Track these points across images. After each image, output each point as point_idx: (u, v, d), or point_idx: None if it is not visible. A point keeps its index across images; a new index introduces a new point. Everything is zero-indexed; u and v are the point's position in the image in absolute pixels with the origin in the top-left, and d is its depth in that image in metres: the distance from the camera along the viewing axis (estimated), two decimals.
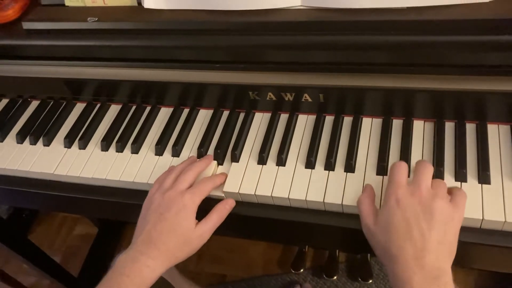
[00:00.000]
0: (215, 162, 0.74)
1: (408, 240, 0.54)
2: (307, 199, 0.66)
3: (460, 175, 0.64)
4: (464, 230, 0.61)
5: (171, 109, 0.84)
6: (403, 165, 0.61)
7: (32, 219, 1.79)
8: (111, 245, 1.65)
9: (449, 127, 0.70)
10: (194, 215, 0.66)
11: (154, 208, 0.66)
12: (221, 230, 0.68)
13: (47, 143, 0.84)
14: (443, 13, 0.62)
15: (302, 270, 1.33)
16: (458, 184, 0.64)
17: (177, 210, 0.64)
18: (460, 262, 0.67)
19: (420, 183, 0.58)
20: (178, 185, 0.67)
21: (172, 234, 0.63)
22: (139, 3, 0.76)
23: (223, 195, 0.70)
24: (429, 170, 0.60)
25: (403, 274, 0.54)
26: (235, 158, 0.73)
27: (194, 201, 0.66)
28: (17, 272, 1.62)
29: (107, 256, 1.59)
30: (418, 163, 0.62)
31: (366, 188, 0.64)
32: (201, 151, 0.75)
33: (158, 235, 0.63)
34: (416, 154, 0.68)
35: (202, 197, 0.67)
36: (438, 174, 0.65)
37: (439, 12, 0.62)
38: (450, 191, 0.60)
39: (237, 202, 0.71)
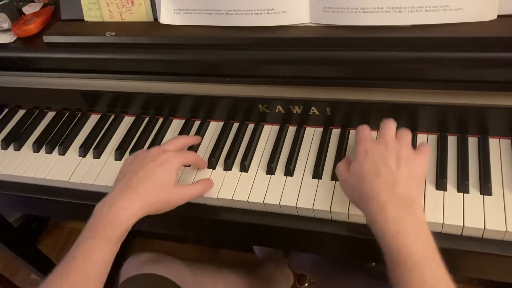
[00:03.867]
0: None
1: (378, 177, 0.58)
2: (314, 208, 0.69)
3: (463, 187, 0.66)
4: (466, 239, 0.63)
5: (182, 121, 0.87)
6: (366, 125, 0.68)
7: (40, 230, 1.81)
8: (118, 256, 1.66)
9: (452, 140, 0.73)
10: (176, 172, 0.68)
11: (138, 160, 0.69)
12: (231, 238, 0.70)
13: (62, 152, 0.87)
14: (446, 30, 0.65)
15: (307, 284, 1.34)
16: (460, 195, 0.66)
17: (160, 163, 0.67)
18: (463, 271, 0.69)
19: (385, 135, 0.64)
20: (164, 145, 0.71)
21: (152, 181, 0.65)
22: (156, 19, 0.80)
23: (233, 203, 0.73)
24: (393, 124, 0.66)
25: (376, 205, 0.57)
26: (244, 168, 0.76)
27: (177, 159, 0.68)
28: (24, 283, 1.64)
29: (113, 267, 1.60)
30: (382, 121, 0.68)
31: (346, 157, 0.69)
32: (212, 161, 0.78)
33: (138, 180, 0.65)
34: None
35: (185, 161, 0.70)
36: (441, 185, 0.67)
37: (442, 30, 0.65)
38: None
39: (246, 210, 0.73)
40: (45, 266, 1.36)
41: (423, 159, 0.62)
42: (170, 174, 0.67)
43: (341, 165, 0.66)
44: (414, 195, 0.58)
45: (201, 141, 0.82)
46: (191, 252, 1.60)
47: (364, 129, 0.66)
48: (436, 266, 0.53)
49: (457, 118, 0.71)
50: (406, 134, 0.65)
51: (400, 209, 0.56)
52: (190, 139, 0.78)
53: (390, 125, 0.66)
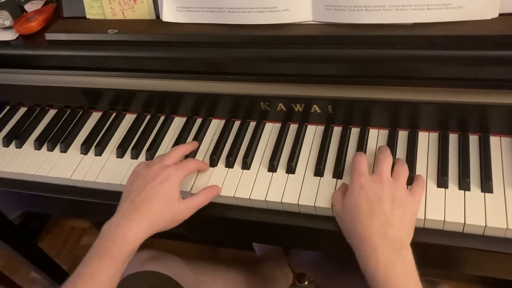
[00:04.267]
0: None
1: (371, 217, 0.59)
2: (316, 205, 0.69)
3: (464, 184, 0.67)
4: (467, 236, 0.64)
5: (184, 119, 0.87)
6: (363, 156, 0.68)
7: (40, 228, 1.81)
8: None
9: (453, 138, 0.73)
10: (179, 186, 0.68)
11: (140, 179, 0.68)
12: (233, 236, 0.70)
13: (64, 150, 0.87)
14: (447, 29, 0.66)
15: (306, 283, 1.35)
16: (462, 192, 0.66)
17: (162, 179, 0.67)
18: (463, 268, 0.69)
19: (381, 172, 0.64)
20: (163, 161, 0.71)
21: (156, 200, 0.65)
22: (158, 17, 0.80)
23: (235, 200, 0.73)
24: (389, 159, 0.67)
25: (368, 247, 0.58)
26: (246, 166, 0.76)
27: (178, 173, 0.69)
28: (24, 281, 1.64)
29: None
30: (379, 151, 0.68)
31: (342, 185, 0.69)
32: (214, 159, 0.78)
33: (142, 200, 0.65)
34: (421, 164, 0.71)
35: (186, 172, 0.70)
36: (442, 182, 0.67)
37: (444, 28, 0.66)
38: (411, 180, 0.67)
39: (248, 208, 0.74)
40: (45, 264, 1.36)
41: (416, 202, 0.63)
42: (173, 190, 0.67)
43: (335, 195, 0.67)
44: (405, 239, 0.59)
45: (198, 146, 0.82)
46: (191, 250, 1.60)
47: (361, 160, 0.66)
48: None
49: (458, 116, 0.71)
50: (403, 172, 0.65)
51: (392, 253, 0.57)
52: (187, 147, 0.78)
53: (386, 160, 0.66)
